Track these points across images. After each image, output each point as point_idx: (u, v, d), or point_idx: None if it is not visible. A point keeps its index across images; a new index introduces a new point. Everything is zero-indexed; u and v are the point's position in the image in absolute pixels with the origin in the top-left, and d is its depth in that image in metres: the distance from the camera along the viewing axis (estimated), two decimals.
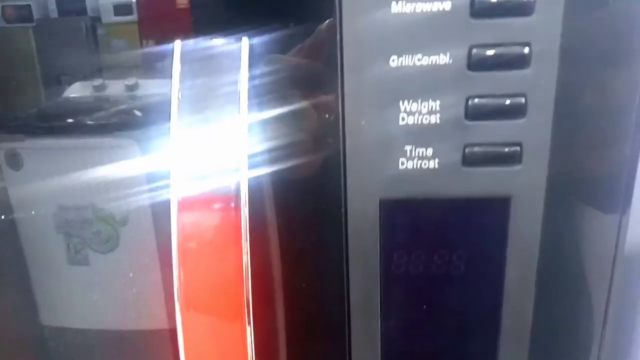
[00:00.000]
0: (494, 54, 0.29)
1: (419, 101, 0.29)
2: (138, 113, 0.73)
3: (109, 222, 0.72)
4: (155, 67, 0.82)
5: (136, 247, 0.74)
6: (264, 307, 0.31)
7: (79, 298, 0.76)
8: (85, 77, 0.85)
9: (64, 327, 0.78)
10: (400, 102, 0.29)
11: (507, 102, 0.29)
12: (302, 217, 0.32)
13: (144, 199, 0.73)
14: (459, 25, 0.29)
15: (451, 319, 0.30)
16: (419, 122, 0.29)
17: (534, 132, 0.29)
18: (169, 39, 0.65)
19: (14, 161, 0.71)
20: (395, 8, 0.28)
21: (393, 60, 0.29)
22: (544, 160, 0.28)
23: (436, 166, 0.29)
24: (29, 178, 0.72)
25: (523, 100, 0.29)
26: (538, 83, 0.29)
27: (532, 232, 0.29)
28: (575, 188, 0.32)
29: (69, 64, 0.89)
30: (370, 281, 0.29)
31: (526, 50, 0.29)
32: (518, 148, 0.28)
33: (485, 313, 0.30)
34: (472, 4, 0.28)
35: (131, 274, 0.75)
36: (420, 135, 0.29)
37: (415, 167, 0.29)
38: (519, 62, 0.29)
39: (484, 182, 0.28)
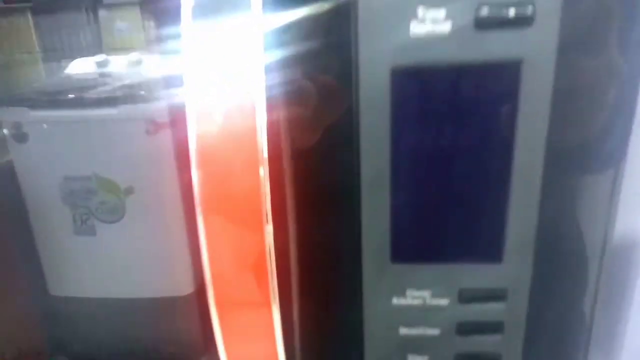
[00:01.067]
0: None
1: None
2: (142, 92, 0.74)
3: (114, 192, 0.73)
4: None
5: (142, 216, 0.75)
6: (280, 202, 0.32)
7: (85, 268, 0.77)
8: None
9: (71, 297, 0.79)
10: None
11: None
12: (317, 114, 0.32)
13: (148, 167, 0.74)
14: None
15: (462, 189, 0.31)
16: None
17: None
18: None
19: (19, 134, 0.72)
20: None
21: None
22: (556, 22, 0.28)
23: (448, 30, 0.29)
24: (35, 150, 0.73)
25: None
26: None
27: (543, 95, 0.29)
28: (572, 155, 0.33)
29: (69, 45, 0.90)
30: (381, 154, 0.30)
31: None
32: (531, 7, 0.28)
33: (496, 184, 0.31)
34: None
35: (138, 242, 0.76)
36: None
37: (427, 31, 0.29)
38: None
39: (496, 45, 0.29)
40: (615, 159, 0.34)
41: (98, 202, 0.74)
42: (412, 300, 0.33)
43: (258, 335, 0.34)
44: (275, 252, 0.31)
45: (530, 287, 0.33)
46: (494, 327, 0.33)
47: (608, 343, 0.41)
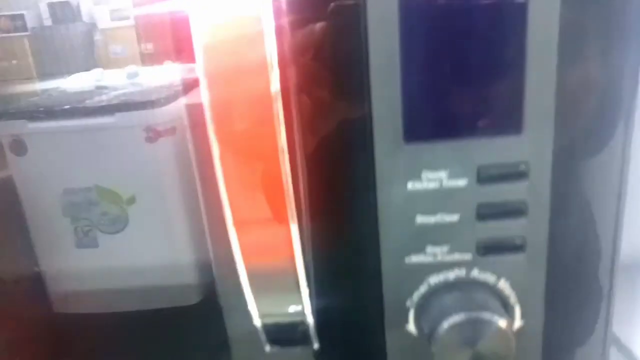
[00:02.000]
0: None
1: None
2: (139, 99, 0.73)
3: (116, 202, 0.72)
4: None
5: (146, 226, 0.74)
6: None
7: (89, 282, 0.75)
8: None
9: (75, 314, 0.77)
10: None
11: None
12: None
13: (150, 176, 0.73)
14: None
15: (476, 55, 0.30)
16: None
17: None
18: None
19: (18, 147, 0.72)
20: None
21: None
22: None
23: None
24: (34, 163, 0.72)
25: None
26: None
27: None
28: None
29: (66, 69, 0.91)
30: (391, 23, 0.29)
31: None
32: None
33: (512, 46, 0.29)
34: None
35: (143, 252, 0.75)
36: None
37: None
38: None
39: None
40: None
41: (100, 214, 0.73)
42: (428, 183, 0.31)
43: (276, 249, 0.32)
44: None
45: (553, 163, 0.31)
46: (517, 209, 0.31)
47: None
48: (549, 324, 0.34)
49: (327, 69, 0.32)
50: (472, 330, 0.30)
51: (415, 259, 0.32)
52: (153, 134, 0.67)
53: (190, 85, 0.75)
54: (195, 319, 0.72)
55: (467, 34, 0.29)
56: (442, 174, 0.31)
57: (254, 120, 0.30)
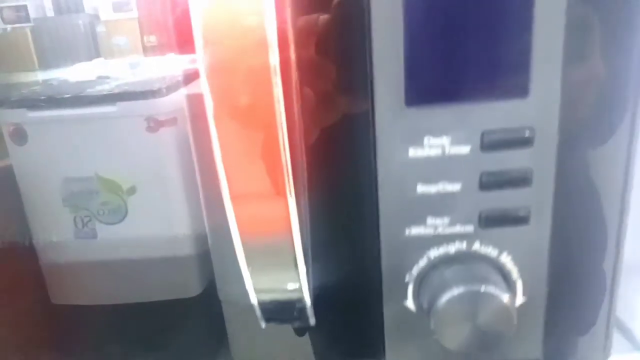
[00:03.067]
0: None
1: None
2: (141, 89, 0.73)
3: (116, 192, 0.72)
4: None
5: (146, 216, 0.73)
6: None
7: (87, 273, 0.74)
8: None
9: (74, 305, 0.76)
10: None
11: None
12: None
13: (150, 166, 0.73)
14: None
15: (480, 13, 0.28)
16: None
17: None
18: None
19: (19, 136, 0.71)
20: None
21: None
22: None
23: None
24: (34, 152, 0.72)
25: None
26: None
27: None
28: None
29: (69, 61, 0.91)
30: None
31: None
32: None
33: (517, 4, 0.28)
34: None
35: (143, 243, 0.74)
36: None
37: None
38: None
39: None
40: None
41: (99, 203, 0.72)
42: (430, 149, 0.30)
43: (275, 225, 0.31)
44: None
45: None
46: (522, 177, 0.30)
47: None
48: (551, 303, 0.33)
49: (327, 34, 0.30)
50: (473, 305, 0.29)
51: (415, 230, 0.31)
52: (154, 124, 0.67)
53: (191, 76, 0.75)
54: (196, 311, 0.72)
55: None
56: (445, 140, 0.30)
57: (252, 91, 0.29)
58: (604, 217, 0.32)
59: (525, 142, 0.29)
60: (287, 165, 0.31)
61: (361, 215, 0.31)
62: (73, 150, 0.71)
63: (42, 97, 0.71)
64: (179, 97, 0.72)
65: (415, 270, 0.31)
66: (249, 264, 0.33)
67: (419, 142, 0.29)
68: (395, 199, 0.30)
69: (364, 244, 0.31)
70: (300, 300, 0.34)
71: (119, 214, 0.72)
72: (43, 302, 0.74)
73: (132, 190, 0.72)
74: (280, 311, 0.34)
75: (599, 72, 0.30)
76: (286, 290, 0.34)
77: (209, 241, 0.65)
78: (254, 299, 0.34)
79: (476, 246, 0.30)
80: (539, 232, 0.30)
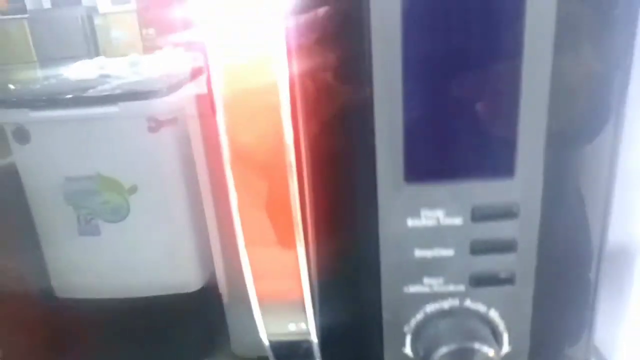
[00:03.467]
0: None
1: None
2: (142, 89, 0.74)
3: (118, 191, 0.74)
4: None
5: (147, 214, 0.75)
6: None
7: (91, 268, 0.77)
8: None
9: (76, 299, 0.79)
10: None
11: None
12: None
13: (152, 165, 0.75)
14: None
15: (472, 104, 0.31)
16: None
17: None
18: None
19: (21, 135, 0.73)
20: None
21: None
22: None
23: None
24: (37, 151, 0.74)
25: None
26: None
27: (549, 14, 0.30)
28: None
29: (66, 53, 0.91)
30: (393, 69, 0.31)
31: None
32: None
33: (505, 97, 0.31)
34: None
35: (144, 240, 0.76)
36: None
37: None
38: None
39: None
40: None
41: (101, 202, 0.74)
42: (427, 220, 0.33)
43: (284, 272, 0.34)
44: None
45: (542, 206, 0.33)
46: (507, 245, 0.34)
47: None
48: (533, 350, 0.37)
49: (336, 114, 0.34)
50: (463, 358, 0.33)
51: (412, 289, 0.35)
52: (155, 124, 0.69)
53: (191, 76, 0.77)
54: (195, 305, 0.75)
55: (464, 86, 0.32)
56: (440, 213, 0.34)
57: (269, 172, 0.33)
58: (583, 276, 0.36)
59: (511, 216, 0.32)
60: (297, 217, 0.34)
61: (365, 272, 0.35)
62: (75, 149, 0.73)
63: (44, 97, 0.73)
64: (179, 97, 0.74)
65: (412, 323, 0.35)
66: (261, 309, 0.36)
67: (416, 214, 0.33)
68: (395, 261, 0.33)
69: (367, 295, 0.35)
70: (308, 340, 0.38)
71: (121, 212, 0.75)
72: (47, 296, 0.77)
73: (133, 189, 0.74)
74: (290, 350, 0.38)
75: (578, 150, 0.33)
76: (295, 332, 0.38)
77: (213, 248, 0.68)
78: (265, 341, 0.37)
79: (467, 303, 0.34)
80: (523, 291, 0.34)
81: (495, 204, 0.33)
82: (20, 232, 0.75)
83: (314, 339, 0.36)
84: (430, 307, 0.35)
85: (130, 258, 0.75)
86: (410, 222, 0.33)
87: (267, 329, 0.36)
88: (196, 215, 0.74)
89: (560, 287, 0.36)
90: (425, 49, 0.31)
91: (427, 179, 0.33)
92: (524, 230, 0.33)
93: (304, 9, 0.32)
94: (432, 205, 0.33)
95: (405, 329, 0.35)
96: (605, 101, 0.33)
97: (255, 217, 0.34)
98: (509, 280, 0.34)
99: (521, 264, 0.34)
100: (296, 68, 0.32)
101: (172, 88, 0.73)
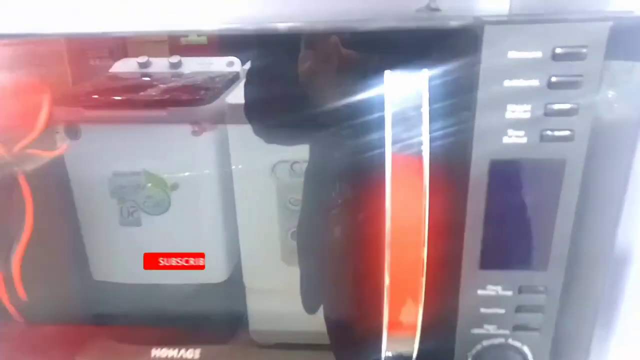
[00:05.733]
0: None
1: None
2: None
3: (161, 187, 0.79)
4: None
5: (185, 210, 0.82)
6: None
7: (129, 255, 0.83)
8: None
9: (114, 282, 0.85)
10: None
11: None
12: None
13: (193, 166, 0.81)
14: None
15: (524, 225, 0.48)
16: None
17: None
18: None
19: (72, 132, 0.77)
20: None
21: None
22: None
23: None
24: (86, 147, 0.78)
25: None
26: None
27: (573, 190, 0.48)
28: None
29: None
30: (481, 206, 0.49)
31: None
32: None
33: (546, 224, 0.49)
34: None
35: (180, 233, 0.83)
36: None
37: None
38: None
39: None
40: None
41: (145, 196, 0.80)
42: (489, 291, 0.50)
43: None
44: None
45: None
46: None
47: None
48: None
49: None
50: None
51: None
52: (199, 129, 0.75)
53: (231, 85, 0.82)
54: (220, 294, 0.82)
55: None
56: (499, 287, 0.51)
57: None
58: None
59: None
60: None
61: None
62: (123, 147, 0.78)
63: (96, 97, 0.77)
64: (221, 104, 0.80)
65: None
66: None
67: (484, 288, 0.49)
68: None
69: None
70: None
71: (163, 206, 0.81)
72: (85, 278, 0.83)
73: (175, 186, 0.80)
74: None
75: None
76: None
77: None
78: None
79: None
80: None
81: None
82: (63, 219, 0.80)
83: None
84: None
85: (166, 248, 0.81)
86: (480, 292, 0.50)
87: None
88: (227, 213, 0.80)
89: None
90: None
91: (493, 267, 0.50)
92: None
93: None
94: (495, 283, 0.51)
95: None
96: None
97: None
98: None
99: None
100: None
101: (216, 95, 0.78)
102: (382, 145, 0.43)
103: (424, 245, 0.43)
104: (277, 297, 0.78)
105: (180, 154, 0.78)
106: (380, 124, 0.44)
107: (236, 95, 0.76)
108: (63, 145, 0.80)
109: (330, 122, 0.55)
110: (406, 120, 0.43)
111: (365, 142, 0.49)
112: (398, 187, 0.43)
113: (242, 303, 0.83)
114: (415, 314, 0.46)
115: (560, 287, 0.51)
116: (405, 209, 0.43)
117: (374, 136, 0.45)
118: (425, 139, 0.43)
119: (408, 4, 0.78)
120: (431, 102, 0.44)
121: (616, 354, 0.58)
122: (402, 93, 0.44)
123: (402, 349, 0.53)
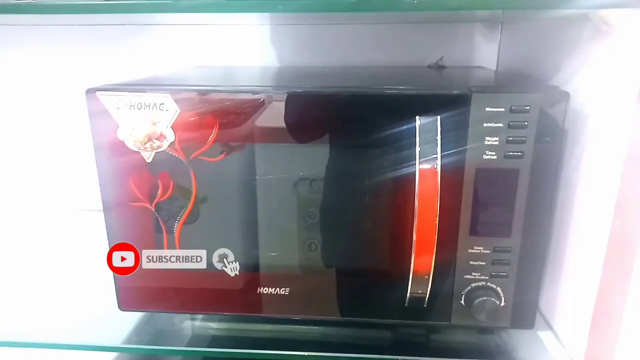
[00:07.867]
0: None
1: None
2: None
3: (191, 199, 1.00)
4: None
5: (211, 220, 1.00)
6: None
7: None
8: None
9: None
10: None
11: None
12: None
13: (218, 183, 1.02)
14: None
15: None
16: None
17: None
18: None
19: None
20: None
21: None
22: None
23: None
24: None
25: None
26: None
27: None
28: None
29: None
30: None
31: None
32: None
33: None
34: None
35: None
36: None
37: None
38: None
39: None
40: None
41: (178, 207, 0.97)
42: (475, 250, 0.82)
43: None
44: None
45: None
46: None
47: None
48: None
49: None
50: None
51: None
52: (227, 149, 0.82)
53: (258, 108, 0.85)
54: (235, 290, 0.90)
55: None
56: None
57: None
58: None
59: None
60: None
61: None
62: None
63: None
64: (248, 126, 0.85)
65: None
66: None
67: (475, 249, 0.80)
68: None
69: None
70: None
71: (192, 216, 1.00)
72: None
73: (204, 200, 0.98)
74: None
75: None
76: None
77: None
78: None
79: None
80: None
81: None
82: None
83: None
84: None
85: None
86: None
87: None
88: (247, 228, 0.91)
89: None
90: None
91: None
92: None
93: None
94: None
95: None
96: None
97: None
98: None
99: None
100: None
101: (244, 119, 0.83)
102: (414, 161, 0.74)
103: (436, 218, 0.73)
104: None
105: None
106: (411, 144, 0.75)
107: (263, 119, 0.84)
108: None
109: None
110: (428, 143, 0.75)
111: (398, 158, 0.78)
112: (423, 187, 0.74)
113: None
114: (430, 264, 0.76)
115: (519, 247, 0.78)
116: (426, 198, 0.73)
117: (407, 153, 0.76)
118: (438, 156, 0.74)
119: (422, 59, 1.20)
120: (442, 133, 0.74)
121: (561, 294, 0.88)
122: (426, 127, 0.76)
123: (421, 289, 0.80)
